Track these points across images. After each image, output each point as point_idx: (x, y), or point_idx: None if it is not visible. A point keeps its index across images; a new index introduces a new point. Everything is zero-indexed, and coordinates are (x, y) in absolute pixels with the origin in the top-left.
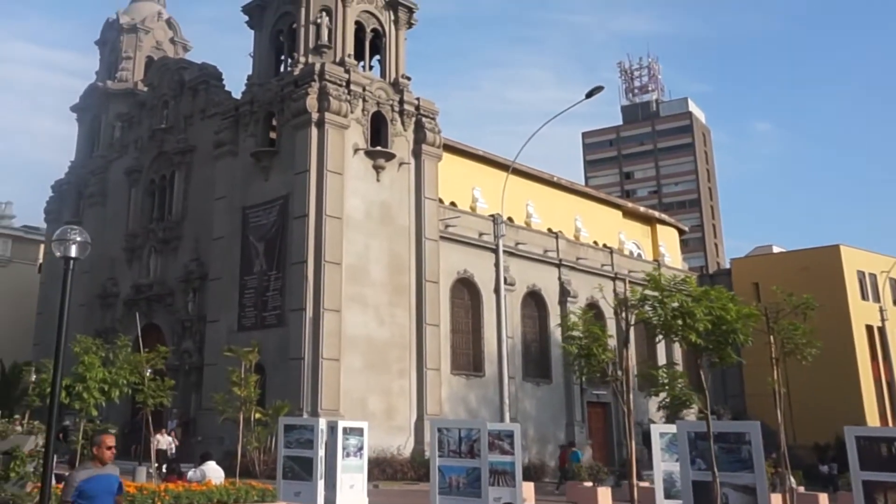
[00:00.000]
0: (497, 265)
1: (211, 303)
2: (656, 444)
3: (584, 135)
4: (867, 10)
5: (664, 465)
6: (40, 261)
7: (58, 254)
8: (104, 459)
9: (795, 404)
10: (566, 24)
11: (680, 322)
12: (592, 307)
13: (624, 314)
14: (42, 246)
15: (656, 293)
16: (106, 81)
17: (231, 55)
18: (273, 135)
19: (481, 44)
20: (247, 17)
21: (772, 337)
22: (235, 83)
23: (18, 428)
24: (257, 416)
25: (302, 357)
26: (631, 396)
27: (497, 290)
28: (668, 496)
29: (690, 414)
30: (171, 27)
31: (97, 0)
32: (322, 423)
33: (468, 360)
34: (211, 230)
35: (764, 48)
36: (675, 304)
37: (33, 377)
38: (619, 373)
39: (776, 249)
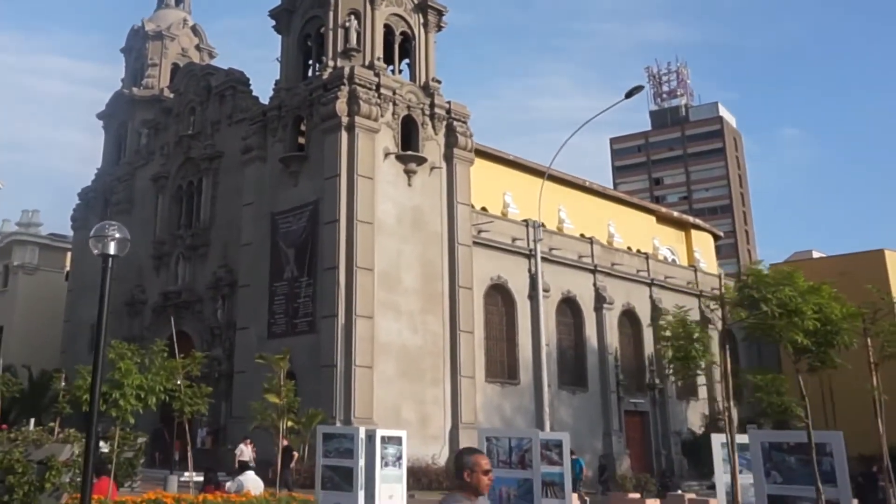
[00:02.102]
0: (533, 270)
1: (240, 310)
2: (718, 454)
3: (613, 140)
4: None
5: (726, 476)
6: (67, 268)
7: (96, 251)
8: (480, 489)
9: (848, 413)
10: (589, 34)
11: (784, 321)
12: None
13: (721, 313)
14: (69, 254)
15: (755, 290)
16: (132, 88)
17: (254, 67)
18: (302, 140)
19: (502, 53)
20: (273, 22)
21: (869, 339)
22: (261, 93)
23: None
24: (289, 424)
25: (334, 364)
26: (731, 402)
27: (534, 296)
28: None
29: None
30: (197, 34)
31: (122, 11)
32: (361, 432)
33: (503, 367)
34: (239, 236)
35: (790, 55)
36: (779, 300)
37: (62, 384)
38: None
39: (815, 255)
